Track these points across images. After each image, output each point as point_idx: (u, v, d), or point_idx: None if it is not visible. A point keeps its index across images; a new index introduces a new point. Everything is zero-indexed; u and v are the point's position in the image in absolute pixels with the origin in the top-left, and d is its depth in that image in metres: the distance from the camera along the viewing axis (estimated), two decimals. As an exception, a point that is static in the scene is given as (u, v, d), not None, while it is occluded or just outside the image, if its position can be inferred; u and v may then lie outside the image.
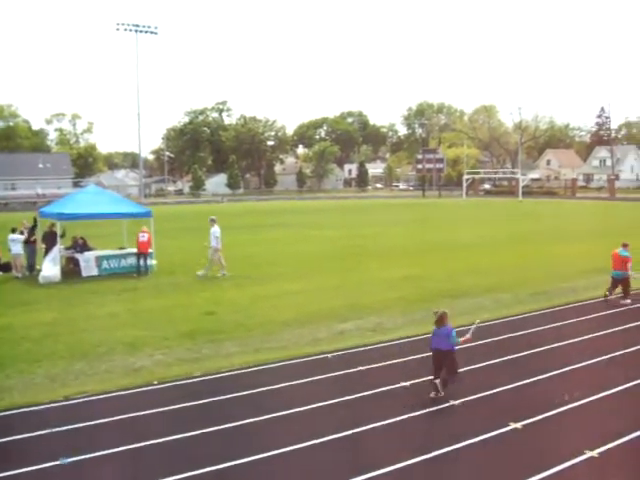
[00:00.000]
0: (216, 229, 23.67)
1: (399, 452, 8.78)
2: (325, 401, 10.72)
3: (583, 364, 12.85)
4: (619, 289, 19.21)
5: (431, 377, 11.20)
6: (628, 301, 18.92)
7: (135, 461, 8.74)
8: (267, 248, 33.51)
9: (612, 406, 10.70)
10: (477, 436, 9.25)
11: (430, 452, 8.75)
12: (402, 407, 10.41)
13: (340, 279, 23.17)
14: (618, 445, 9.02)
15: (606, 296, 19.10)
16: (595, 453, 8.72)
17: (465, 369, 12.37)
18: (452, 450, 8.85)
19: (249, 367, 12.78)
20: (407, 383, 11.62)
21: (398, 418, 9.98)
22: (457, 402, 10.65)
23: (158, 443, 9.15)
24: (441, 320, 11.38)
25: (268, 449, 8.84)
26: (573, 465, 8.40)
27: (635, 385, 11.59)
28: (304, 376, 12.14)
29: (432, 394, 11.01)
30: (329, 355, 13.58)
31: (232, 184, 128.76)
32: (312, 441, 9.13)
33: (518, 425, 9.67)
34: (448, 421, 10.03)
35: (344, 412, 10.36)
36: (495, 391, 11.23)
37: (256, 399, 10.98)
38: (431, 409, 10.37)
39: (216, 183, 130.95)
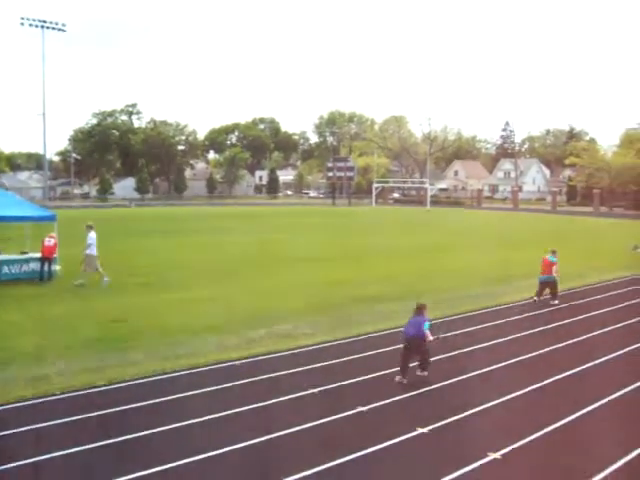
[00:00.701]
0: (92, 235, 22.75)
1: (309, 458, 8.79)
2: (231, 409, 10.62)
3: (490, 368, 13.23)
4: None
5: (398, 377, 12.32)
6: (556, 302, 20.59)
7: (34, 476, 8.44)
8: (177, 254, 33.01)
9: (516, 408, 11.05)
10: (385, 441, 9.36)
11: (339, 458, 8.79)
12: (312, 414, 10.42)
13: (251, 286, 23.06)
14: (521, 446, 9.32)
15: (535, 299, 20.61)
16: (498, 455, 8.97)
17: (373, 375, 12.56)
18: (361, 456, 8.93)
19: (155, 375, 12.53)
20: (316, 390, 11.66)
21: (307, 425, 9.99)
22: (365, 408, 10.75)
23: (60, 455, 8.84)
24: (420, 310, 12.64)
25: (164, 462, 8.62)
26: (477, 467, 8.61)
27: (538, 387, 12.02)
28: (210, 384, 11.97)
29: (397, 378, 12.27)
30: (237, 362, 13.48)
31: (141, 188, 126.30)
32: (213, 452, 9.02)
33: (425, 430, 9.84)
34: (356, 427, 10.10)
35: (252, 420, 10.30)
36: (403, 396, 11.41)
37: (159, 409, 10.76)
38: (340, 415, 10.42)
39: (124, 187, 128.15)
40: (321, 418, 10.25)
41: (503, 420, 10.55)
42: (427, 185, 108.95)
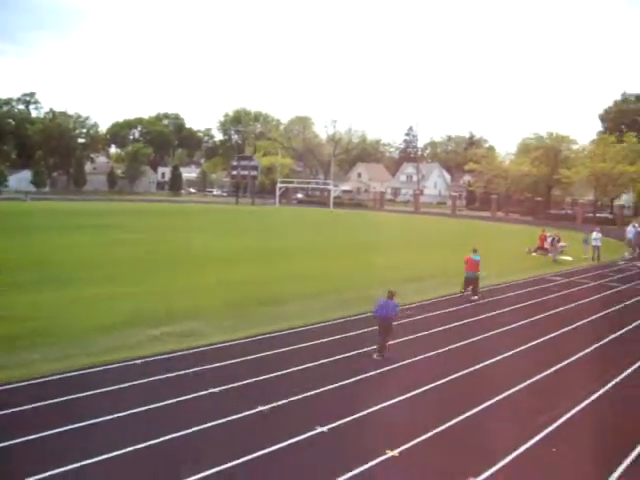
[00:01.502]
0: None
1: (212, 459, 8.72)
2: (130, 410, 10.40)
3: (392, 366, 13.45)
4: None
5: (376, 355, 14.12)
6: (476, 297, 22.23)
7: None
8: (76, 251, 31.95)
9: (415, 406, 11.30)
10: (285, 440, 9.39)
11: (238, 458, 8.75)
12: (212, 413, 10.33)
13: (153, 284, 22.65)
14: (418, 443, 9.53)
15: (462, 293, 22.45)
16: (396, 452, 9.14)
17: (275, 374, 12.58)
18: (262, 455, 8.92)
19: (51, 375, 12.13)
20: (217, 389, 11.57)
21: (208, 424, 9.90)
22: (265, 408, 10.73)
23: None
24: (391, 295, 14.71)
25: (60, 464, 8.38)
26: (375, 465, 8.75)
27: (435, 386, 12.30)
28: (108, 384, 11.68)
29: (375, 355, 14.12)
30: (139, 361, 13.21)
31: (38, 182, 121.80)
32: (111, 453, 8.82)
33: (324, 428, 9.92)
34: (257, 426, 10.09)
35: (151, 420, 10.12)
36: (304, 395, 11.46)
37: (56, 409, 10.44)
38: (241, 415, 10.38)
39: (20, 180, 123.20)
40: (221, 418, 10.17)
41: (404, 417, 10.76)
42: (331, 186, 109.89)
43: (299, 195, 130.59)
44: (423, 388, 12.23)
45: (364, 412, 10.77)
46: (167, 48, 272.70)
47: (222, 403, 11.00)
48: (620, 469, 9.01)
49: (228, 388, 11.72)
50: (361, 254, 35.55)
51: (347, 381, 12.46)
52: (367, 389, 12.19)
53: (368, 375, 12.93)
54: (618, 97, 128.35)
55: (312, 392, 11.69)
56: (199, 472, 8.29)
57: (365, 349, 14.85)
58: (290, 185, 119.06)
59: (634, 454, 9.57)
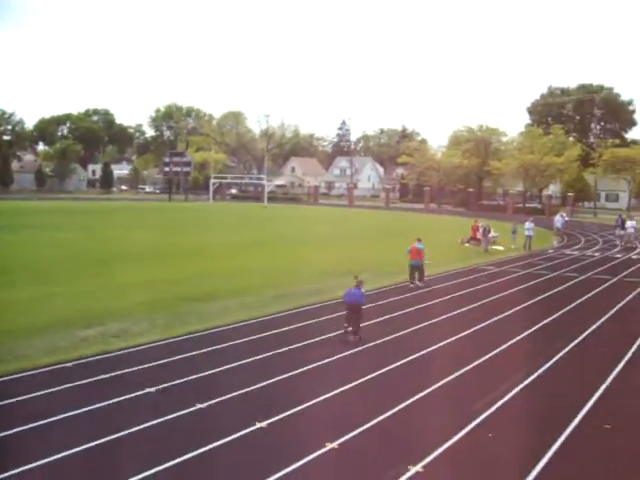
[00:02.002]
0: None
1: (147, 460, 8.55)
2: (65, 413, 10.13)
3: (329, 360, 13.46)
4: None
5: (345, 329, 15.31)
6: (421, 284, 23.35)
7: None
8: (6, 251, 30.96)
9: (353, 398, 11.33)
10: (225, 437, 9.29)
11: (177, 457, 8.61)
12: (149, 413, 10.15)
13: (82, 284, 22.13)
14: (357, 435, 9.56)
15: (411, 282, 23.43)
16: (336, 444, 9.15)
17: (213, 371, 12.45)
18: (201, 453, 8.80)
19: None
20: (153, 389, 11.38)
21: (144, 425, 9.72)
22: (204, 405, 10.60)
23: None
24: (358, 285, 15.73)
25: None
26: (315, 458, 8.74)
27: (374, 377, 12.36)
28: (40, 389, 11.32)
29: (351, 338, 15.09)
30: (70, 364, 12.89)
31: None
32: (47, 459, 8.57)
33: (263, 424, 9.86)
34: (195, 425, 9.95)
35: (87, 423, 9.88)
36: (242, 391, 11.36)
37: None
38: (179, 413, 10.22)
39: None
40: (159, 417, 10.00)
41: (344, 408, 10.78)
42: (265, 181, 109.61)
43: (233, 190, 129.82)
44: (363, 379, 12.27)
45: (305, 405, 10.74)
46: (94, 41, 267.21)
47: (159, 403, 10.82)
48: (553, 449, 9.21)
49: (164, 387, 11.53)
50: (295, 248, 35.54)
51: (288, 374, 12.41)
52: (308, 382, 12.17)
53: (309, 368, 12.90)
54: (544, 91, 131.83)
55: (252, 387, 11.59)
56: (135, 474, 8.11)
57: (304, 342, 14.84)
58: (224, 180, 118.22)
59: (566, 433, 9.80)
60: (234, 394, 11.22)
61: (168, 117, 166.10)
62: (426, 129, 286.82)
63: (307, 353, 14.05)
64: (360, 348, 14.60)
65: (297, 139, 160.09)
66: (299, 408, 10.60)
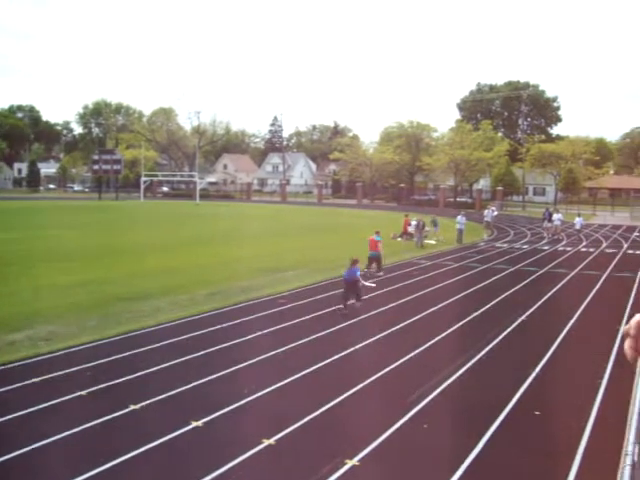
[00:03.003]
0: None
1: (80, 465, 8.36)
2: (-8, 417, 9.83)
3: (262, 357, 13.39)
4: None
5: (340, 306, 17.85)
6: (381, 273, 25.04)
7: None
8: None
9: (291, 393, 11.31)
10: (160, 438, 9.15)
11: (109, 462, 8.44)
12: (81, 417, 9.92)
13: (9, 286, 21.48)
14: (292, 430, 9.55)
15: (367, 269, 24.80)
16: (272, 441, 9.13)
17: (147, 371, 12.26)
18: (136, 455, 8.65)
19: None
20: (84, 392, 11.12)
21: (79, 428, 9.49)
22: (138, 406, 10.43)
23: None
24: (353, 263, 18.32)
25: None
26: (252, 455, 8.69)
27: (312, 371, 12.36)
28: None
29: (358, 304, 17.98)
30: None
31: None
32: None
33: (199, 423, 9.75)
34: (129, 427, 9.77)
35: (17, 431, 9.60)
36: (176, 391, 11.22)
37: None
38: (112, 416, 10.02)
39: None
40: (91, 420, 9.78)
41: (280, 405, 10.75)
42: (196, 179, 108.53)
43: (165, 188, 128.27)
44: (300, 374, 12.26)
45: (240, 402, 10.67)
46: (17, 34, 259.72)
47: (91, 406, 10.59)
48: (486, 437, 9.38)
49: (97, 389, 11.30)
50: (228, 246, 35.35)
51: (222, 372, 12.31)
52: (243, 379, 12.08)
53: (243, 366, 12.82)
54: (473, 87, 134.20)
55: (186, 386, 11.45)
56: (68, 479, 7.92)
57: (236, 341, 14.75)
58: (155, 178, 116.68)
59: (498, 421, 10.00)
60: (168, 394, 11.06)
61: (97, 114, 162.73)
62: (358, 125, 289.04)
63: (239, 351, 13.97)
64: (296, 344, 14.58)
65: (229, 136, 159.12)
66: (235, 406, 10.53)
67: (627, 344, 1.69)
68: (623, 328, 1.78)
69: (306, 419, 10.00)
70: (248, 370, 12.67)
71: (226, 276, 24.04)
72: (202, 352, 13.76)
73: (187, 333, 15.40)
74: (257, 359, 13.32)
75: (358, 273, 18.35)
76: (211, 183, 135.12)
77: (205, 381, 11.86)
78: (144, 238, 38.96)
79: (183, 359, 13.23)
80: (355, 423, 10.13)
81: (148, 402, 10.64)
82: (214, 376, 12.13)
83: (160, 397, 10.90)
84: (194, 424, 9.72)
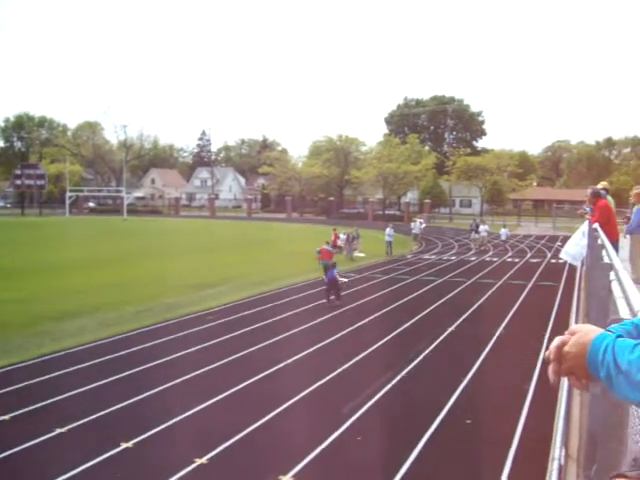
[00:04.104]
0: None
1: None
2: None
3: (192, 375, 13.18)
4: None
5: (327, 299, 21.62)
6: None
7: None
8: None
9: (221, 411, 11.15)
10: (87, 462, 8.87)
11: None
12: (3, 444, 9.55)
13: None
14: (224, 448, 9.40)
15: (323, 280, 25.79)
16: (204, 459, 8.96)
17: (75, 392, 11.91)
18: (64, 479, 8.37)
19: None
20: (7, 416, 10.72)
21: (1, 455, 9.14)
22: (64, 429, 10.10)
23: None
24: (333, 266, 22.55)
25: None
26: (184, 475, 8.52)
27: (242, 388, 12.22)
28: None
29: (338, 302, 21.50)
30: None
31: None
32: None
33: (129, 444, 9.51)
34: (55, 450, 9.45)
35: None
36: (105, 412, 10.92)
37: None
38: (37, 440, 9.67)
39: None
40: (15, 447, 9.42)
41: (214, 421, 10.58)
42: (124, 194, 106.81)
43: (91, 204, 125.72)
44: (229, 392, 12.11)
45: (172, 421, 10.46)
46: None
47: (14, 431, 10.20)
48: (419, 446, 9.43)
49: (21, 413, 10.90)
50: (157, 262, 34.82)
51: (152, 391, 12.06)
52: (173, 398, 11.85)
53: (173, 384, 12.58)
54: (400, 101, 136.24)
55: (114, 407, 11.15)
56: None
57: (165, 359, 14.50)
58: (81, 193, 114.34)
59: (431, 431, 10.07)
60: (96, 415, 10.75)
61: (19, 127, 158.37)
62: (287, 139, 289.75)
63: (168, 370, 13.72)
64: (226, 360, 14.42)
65: (157, 150, 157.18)
66: (166, 425, 10.32)
67: (550, 369, 1.72)
68: (544, 354, 1.80)
69: (239, 436, 9.86)
70: (178, 388, 12.44)
71: (154, 293, 23.66)
72: (130, 371, 13.46)
73: (114, 352, 15.04)
74: (186, 377, 13.10)
75: (335, 272, 21.88)
76: (138, 198, 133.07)
77: (134, 401, 11.59)
78: (70, 255, 37.99)
79: (111, 379, 12.90)
80: (289, 438, 10.05)
81: (75, 424, 10.32)
82: (143, 396, 11.87)
83: (87, 419, 10.58)
84: (124, 445, 9.47)
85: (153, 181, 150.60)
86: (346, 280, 24.39)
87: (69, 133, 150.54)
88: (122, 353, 15.03)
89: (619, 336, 1.60)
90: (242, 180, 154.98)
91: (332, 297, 21.62)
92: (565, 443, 8.61)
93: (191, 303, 21.53)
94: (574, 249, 15.31)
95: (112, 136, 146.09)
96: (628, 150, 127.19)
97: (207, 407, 11.29)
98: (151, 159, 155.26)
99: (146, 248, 43.79)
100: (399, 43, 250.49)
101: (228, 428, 10.19)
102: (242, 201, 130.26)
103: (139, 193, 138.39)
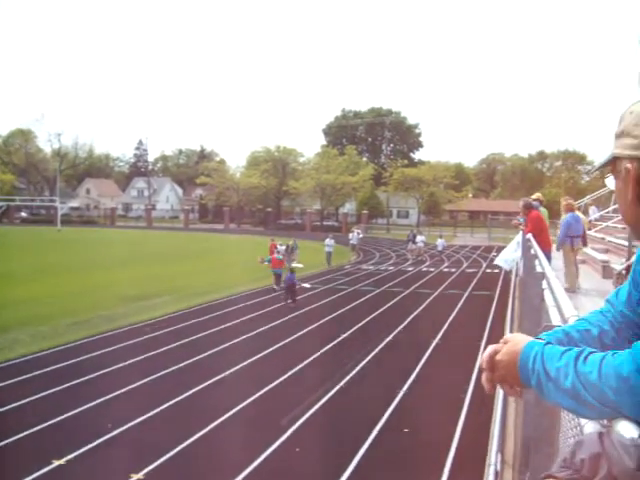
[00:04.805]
0: None
1: None
2: None
3: (128, 388, 12.95)
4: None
5: (289, 301, 23.66)
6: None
7: None
8: None
9: (157, 425, 10.96)
10: None
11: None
12: None
13: None
14: (161, 463, 9.26)
15: (275, 286, 27.67)
16: (141, 475, 8.81)
17: (1, 410, 11.57)
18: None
19: None
20: None
21: None
22: (-6, 445, 9.81)
23: None
24: (292, 270, 24.90)
25: None
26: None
27: (182, 399, 12.07)
28: None
29: (292, 304, 23.46)
30: None
31: None
32: None
33: (62, 461, 9.27)
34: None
35: None
36: (37, 429, 10.63)
37: None
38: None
39: None
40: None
41: (147, 437, 10.41)
42: (58, 204, 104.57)
43: (23, 214, 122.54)
44: (167, 404, 11.94)
45: (107, 436, 10.25)
46: None
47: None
48: (358, 456, 9.47)
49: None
50: (92, 273, 34.08)
51: (87, 406, 11.80)
52: (108, 412, 11.61)
53: (108, 398, 12.34)
54: (338, 113, 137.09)
55: (45, 424, 10.86)
56: None
57: (102, 371, 14.22)
58: (12, 203, 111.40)
59: (369, 440, 10.12)
60: (27, 432, 10.45)
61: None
62: (225, 149, 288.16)
63: (104, 383, 13.43)
64: (163, 372, 14.23)
65: (92, 159, 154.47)
66: (101, 440, 10.10)
67: (483, 378, 1.76)
68: (478, 363, 1.85)
69: (176, 450, 9.72)
70: (114, 402, 12.20)
71: (91, 304, 23.18)
72: (64, 385, 13.15)
73: (48, 366, 14.68)
74: (123, 390, 12.86)
75: (294, 277, 24.35)
76: (73, 208, 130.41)
77: (69, 416, 11.32)
78: (1, 267, 36.93)
79: (43, 394, 12.58)
80: (227, 451, 9.96)
81: (5, 442, 10.01)
82: (77, 410, 11.59)
83: (18, 436, 10.28)
84: (56, 463, 9.23)
85: (88, 191, 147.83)
86: (308, 286, 27.61)
87: (0, 141, 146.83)
88: (56, 366, 14.67)
89: (548, 343, 1.65)
90: (179, 190, 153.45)
91: (289, 300, 23.74)
92: (501, 449, 8.77)
93: (128, 315, 21.18)
94: (509, 257, 15.67)
95: (46, 144, 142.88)
96: (559, 163, 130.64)
97: (145, 420, 11.10)
98: (86, 168, 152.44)
99: (81, 259, 42.85)
100: (337, 55, 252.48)
101: (166, 441, 10.04)
102: (179, 212, 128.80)
103: (74, 203, 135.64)
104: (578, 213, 16.49)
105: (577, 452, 1.31)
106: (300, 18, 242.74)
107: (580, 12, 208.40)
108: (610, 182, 1.78)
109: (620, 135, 1.67)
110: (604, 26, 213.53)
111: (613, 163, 1.71)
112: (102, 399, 12.25)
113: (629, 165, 1.61)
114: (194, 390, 12.94)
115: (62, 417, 11.20)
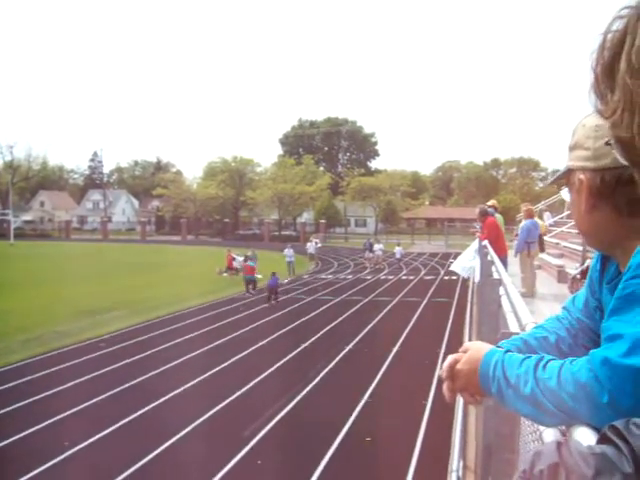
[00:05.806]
0: None
1: None
2: None
3: (83, 405, 12.71)
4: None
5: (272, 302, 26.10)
6: (254, 292, 29.93)
7: None
8: None
9: (112, 443, 10.77)
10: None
11: None
12: None
13: None
14: (125, 477, 9.11)
15: (247, 292, 29.98)
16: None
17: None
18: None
19: None
20: None
21: None
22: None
23: None
24: (274, 275, 26.86)
25: None
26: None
27: (138, 416, 11.88)
28: None
29: (273, 302, 26.28)
30: None
31: None
32: None
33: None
34: None
35: None
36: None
37: None
38: None
39: None
40: None
41: (103, 456, 10.21)
42: (10, 217, 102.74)
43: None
44: (123, 421, 11.75)
45: (62, 455, 10.03)
46: None
47: None
48: (320, 467, 9.41)
49: None
50: (46, 288, 33.49)
51: (40, 425, 11.53)
52: (62, 431, 11.37)
53: (62, 417, 12.09)
54: (295, 123, 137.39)
55: (4, 442, 10.61)
56: None
57: (55, 389, 13.93)
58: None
59: (332, 450, 10.08)
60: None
61: None
62: (181, 160, 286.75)
63: (57, 401, 13.15)
64: (118, 389, 13.99)
65: (46, 171, 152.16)
66: (56, 460, 9.87)
67: (444, 387, 1.76)
68: (438, 372, 1.85)
69: (133, 468, 9.54)
70: (68, 421, 11.94)
71: (44, 320, 22.73)
72: (16, 405, 12.85)
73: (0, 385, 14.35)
74: (77, 409, 12.59)
75: (277, 281, 27.29)
76: (26, 221, 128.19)
77: (22, 436, 11.05)
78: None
79: (-3, 412, 12.30)
80: (187, 466, 9.82)
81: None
82: (30, 430, 11.32)
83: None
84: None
85: (42, 204, 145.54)
86: (286, 281, 32.66)
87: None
88: (8, 385, 14.34)
89: (508, 351, 1.65)
90: (136, 202, 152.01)
91: (273, 301, 26.41)
92: (463, 455, 8.79)
93: (83, 330, 20.82)
94: (466, 264, 15.81)
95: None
96: (514, 170, 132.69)
97: (100, 438, 10.89)
98: (40, 181, 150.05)
99: (35, 274, 42.06)
100: (294, 65, 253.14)
101: (123, 460, 9.85)
102: (136, 224, 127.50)
103: (27, 216, 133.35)
104: (536, 219, 16.74)
105: (536, 463, 1.30)
106: (256, 29, 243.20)
107: (530, 22, 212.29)
108: (565, 194, 1.80)
109: (573, 147, 1.69)
110: (555, 36, 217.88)
111: (567, 175, 1.73)
112: (57, 417, 12.00)
113: (582, 176, 1.62)
114: (152, 405, 12.75)
115: (16, 437, 10.94)
